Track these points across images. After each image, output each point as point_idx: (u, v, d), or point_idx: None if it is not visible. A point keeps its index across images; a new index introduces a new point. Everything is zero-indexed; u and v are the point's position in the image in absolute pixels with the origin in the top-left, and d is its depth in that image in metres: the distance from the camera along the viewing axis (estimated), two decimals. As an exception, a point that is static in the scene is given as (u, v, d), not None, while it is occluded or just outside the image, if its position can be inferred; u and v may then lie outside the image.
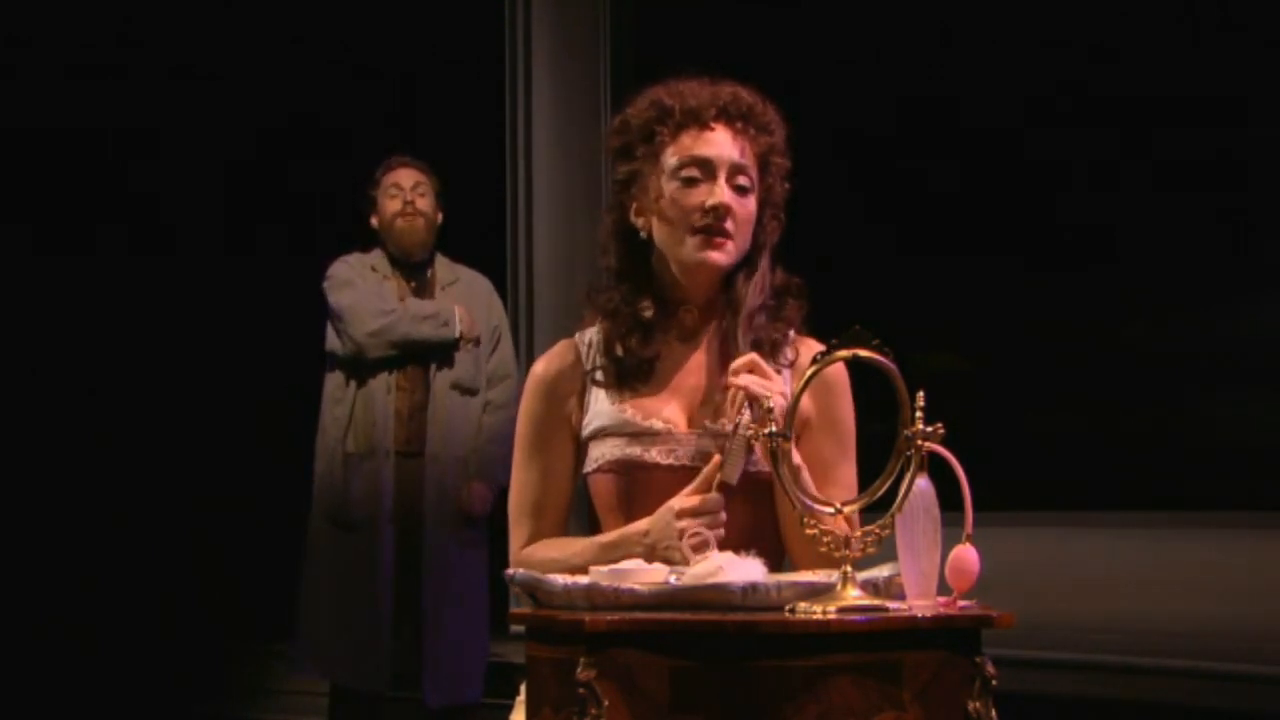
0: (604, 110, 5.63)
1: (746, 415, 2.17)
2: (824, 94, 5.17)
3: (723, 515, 2.17)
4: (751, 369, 2.20)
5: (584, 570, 2.09)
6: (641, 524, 2.22)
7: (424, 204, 5.04)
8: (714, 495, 2.18)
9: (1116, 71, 5.01)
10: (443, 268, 5.11)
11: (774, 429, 1.95)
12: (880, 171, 5.45)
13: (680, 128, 2.31)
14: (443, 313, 4.93)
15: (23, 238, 6.67)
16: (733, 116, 2.31)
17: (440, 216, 5.10)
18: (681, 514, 2.16)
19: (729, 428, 2.19)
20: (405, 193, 5.02)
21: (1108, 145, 5.04)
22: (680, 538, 2.14)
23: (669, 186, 2.29)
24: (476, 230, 5.61)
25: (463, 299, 5.05)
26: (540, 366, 2.39)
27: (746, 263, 2.33)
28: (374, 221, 5.08)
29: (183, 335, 6.78)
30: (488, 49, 5.96)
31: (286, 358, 5.65)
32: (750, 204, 2.30)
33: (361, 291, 4.94)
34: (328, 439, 4.97)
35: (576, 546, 2.28)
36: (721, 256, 2.28)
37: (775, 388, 2.18)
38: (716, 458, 2.20)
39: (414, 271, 5.08)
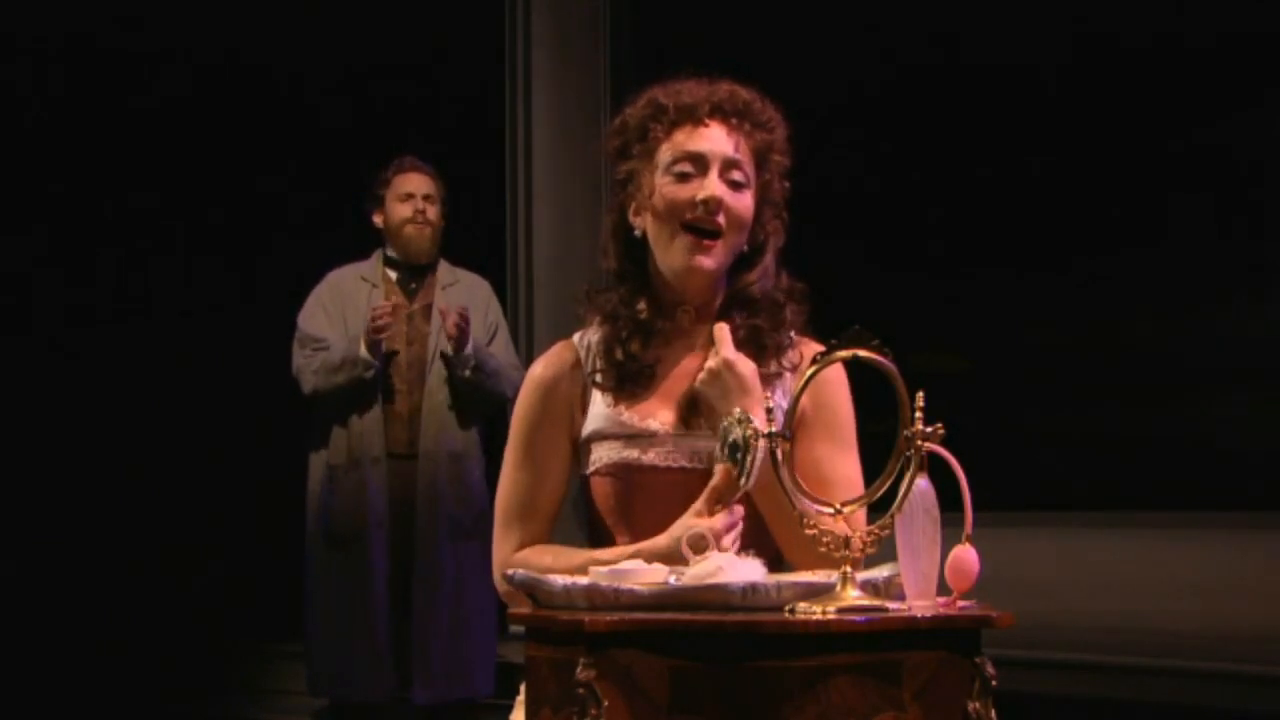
0: (604, 110, 5.62)
1: (759, 420, 2.06)
2: (823, 93, 5.17)
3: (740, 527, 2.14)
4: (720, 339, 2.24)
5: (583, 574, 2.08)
6: (659, 541, 2.15)
7: (433, 213, 5.07)
8: (738, 508, 2.14)
9: (1115, 70, 5.02)
10: (443, 270, 5.12)
11: (773, 430, 1.94)
12: (881, 171, 5.45)
13: (675, 125, 2.29)
14: (347, 357, 4.85)
15: (22, 250, 6.68)
16: (728, 113, 2.30)
17: (443, 222, 5.12)
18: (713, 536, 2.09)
19: (734, 433, 2.07)
20: (417, 200, 5.03)
21: (1107, 145, 5.04)
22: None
23: (662, 182, 2.27)
24: (476, 230, 5.62)
25: (461, 299, 5.05)
26: (539, 368, 2.37)
27: (748, 262, 2.32)
28: (378, 220, 5.07)
29: (184, 338, 6.78)
30: (488, 49, 5.96)
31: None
32: (745, 199, 2.28)
33: (305, 339, 4.95)
34: (318, 452, 4.98)
35: (576, 560, 2.21)
36: (709, 261, 2.26)
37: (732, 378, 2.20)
38: (720, 469, 2.10)
39: (415, 273, 5.09)
